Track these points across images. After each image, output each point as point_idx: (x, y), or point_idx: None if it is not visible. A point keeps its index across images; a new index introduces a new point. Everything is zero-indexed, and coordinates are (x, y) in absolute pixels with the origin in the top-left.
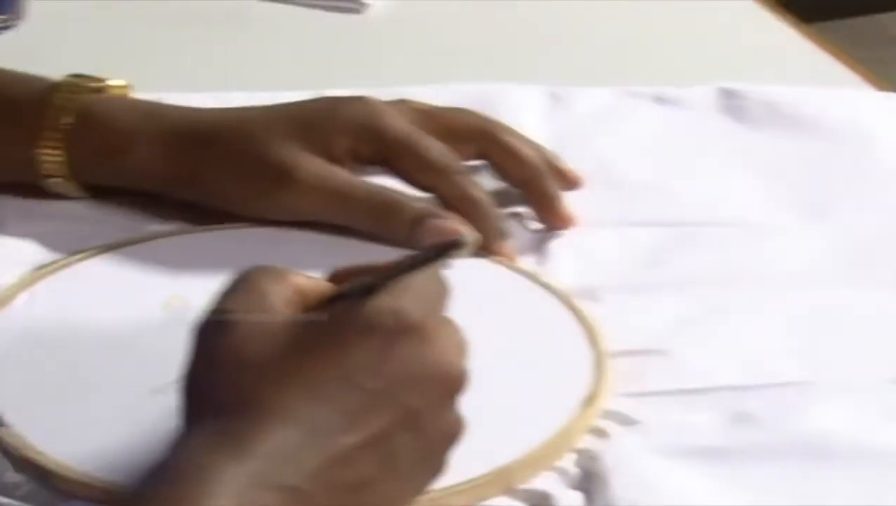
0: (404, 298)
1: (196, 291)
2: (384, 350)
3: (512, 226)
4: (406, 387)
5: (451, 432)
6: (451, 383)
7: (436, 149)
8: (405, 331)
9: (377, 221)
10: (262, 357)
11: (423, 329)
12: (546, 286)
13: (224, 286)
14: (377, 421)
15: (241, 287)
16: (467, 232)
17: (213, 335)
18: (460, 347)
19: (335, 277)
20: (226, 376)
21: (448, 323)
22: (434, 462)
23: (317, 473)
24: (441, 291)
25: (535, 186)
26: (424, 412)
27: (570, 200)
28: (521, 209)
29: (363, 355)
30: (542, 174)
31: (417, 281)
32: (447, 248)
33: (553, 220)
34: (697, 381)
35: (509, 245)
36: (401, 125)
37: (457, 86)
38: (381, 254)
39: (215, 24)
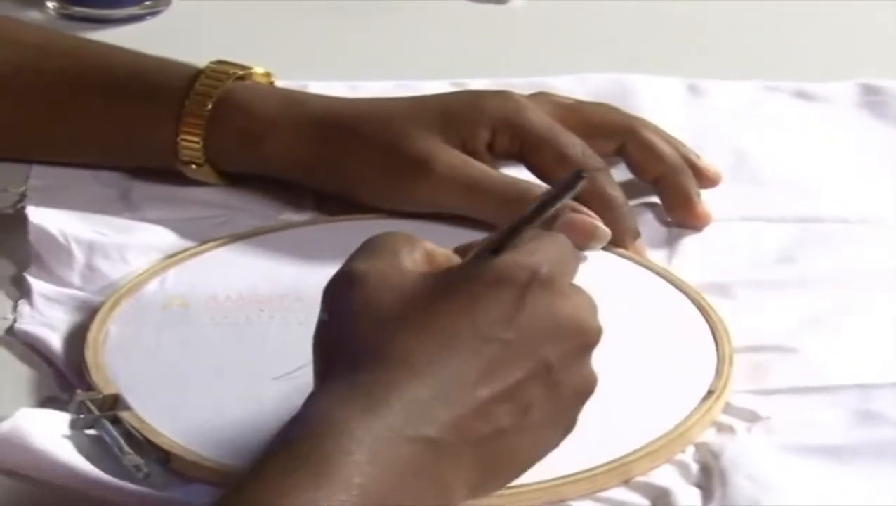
0: (537, 255)
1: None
2: (517, 302)
3: (644, 219)
4: (540, 339)
5: (583, 386)
6: (585, 336)
7: (575, 145)
8: (538, 283)
9: (512, 213)
10: (395, 310)
11: (555, 283)
12: (675, 281)
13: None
14: (511, 372)
15: (373, 247)
16: (602, 226)
17: (345, 290)
18: (592, 306)
19: (461, 251)
20: (358, 329)
21: (578, 286)
22: (566, 417)
23: (451, 424)
24: (572, 260)
25: (673, 184)
26: (557, 365)
27: (704, 195)
28: (653, 200)
29: (496, 307)
30: (681, 172)
31: (549, 245)
32: (568, 184)
33: (688, 218)
34: (823, 378)
35: (641, 244)
36: (542, 120)
37: (595, 76)
38: None
39: (359, 13)
